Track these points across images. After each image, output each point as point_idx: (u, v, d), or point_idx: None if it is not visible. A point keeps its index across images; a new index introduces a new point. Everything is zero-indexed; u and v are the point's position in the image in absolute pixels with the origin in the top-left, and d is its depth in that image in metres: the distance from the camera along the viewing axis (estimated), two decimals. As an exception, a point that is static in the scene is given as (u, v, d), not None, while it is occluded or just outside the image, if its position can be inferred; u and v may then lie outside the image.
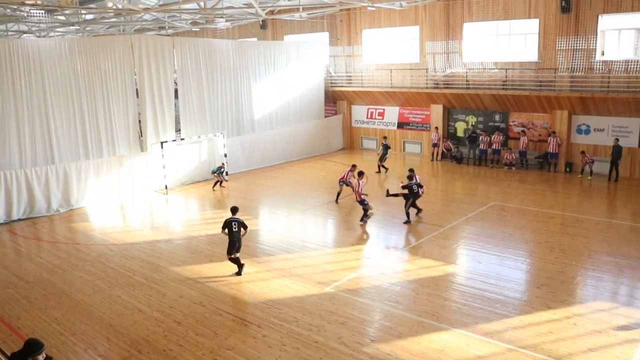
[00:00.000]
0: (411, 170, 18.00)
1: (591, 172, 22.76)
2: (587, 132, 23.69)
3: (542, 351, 9.50)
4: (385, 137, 27.24)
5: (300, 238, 16.67)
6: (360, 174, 18.04)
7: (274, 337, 10.29)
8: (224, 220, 13.45)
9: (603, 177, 22.62)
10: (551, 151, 23.96)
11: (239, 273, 13.37)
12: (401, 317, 11.05)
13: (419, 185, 17.57)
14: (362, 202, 17.30)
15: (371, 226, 17.74)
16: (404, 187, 17.45)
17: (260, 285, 12.82)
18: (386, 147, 25.16)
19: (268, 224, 18.41)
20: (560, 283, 12.41)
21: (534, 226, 16.71)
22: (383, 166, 25.21)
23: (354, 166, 19.74)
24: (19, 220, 18.78)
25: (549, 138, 24.02)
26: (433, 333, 10.32)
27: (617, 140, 22.18)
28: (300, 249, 15.45)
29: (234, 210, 13.53)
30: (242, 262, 13.50)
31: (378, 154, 25.87)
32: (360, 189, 17.28)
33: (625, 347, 9.59)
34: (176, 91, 23.72)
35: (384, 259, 14.55)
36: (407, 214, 17.30)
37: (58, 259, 15.03)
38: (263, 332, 10.50)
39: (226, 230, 13.27)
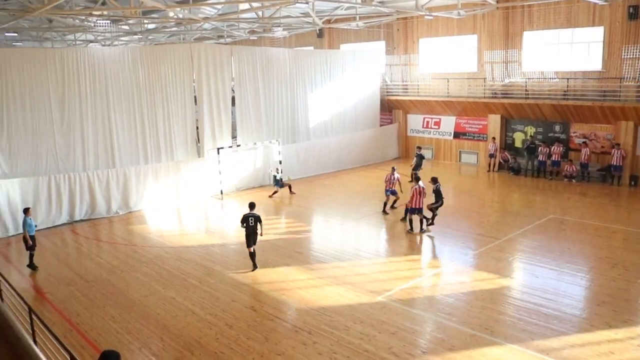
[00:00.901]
0: (434, 179, 17.66)
1: (658, 186, 21.83)
2: (655, 144, 22.73)
3: (602, 371, 9.14)
4: (419, 147, 26.10)
5: (353, 246, 16.63)
6: (418, 178, 17.80)
7: (324, 345, 10.28)
8: (248, 217, 14.23)
9: (670, 192, 21.64)
10: (615, 164, 23.09)
11: (254, 267, 14.38)
12: (454, 330, 10.83)
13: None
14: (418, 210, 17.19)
15: (424, 236, 17.54)
16: (435, 193, 17.29)
17: (312, 292, 12.84)
18: (421, 157, 24.50)
19: (321, 232, 18.46)
20: (623, 301, 11.89)
21: (594, 241, 16.11)
22: (416, 175, 23.79)
23: (393, 169, 19.91)
24: (81, 220, 19.50)
25: (613, 150, 23.15)
26: (486, 347, 10.08)
27: None
28: (353, 257, 15.41)
29: (252, 206, 14.61)
30: (256, 263, 14.51)
31: (411, 166, 24.92)
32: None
33: (692, 371, 9.11)
34: (233, 98, 24.13)
35: (437, 269, 14.35)
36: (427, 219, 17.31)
37: (116, 259, 15.51)
38: (313, 339, 10.50)
39: (244, 225, 14.22)
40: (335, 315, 11.50)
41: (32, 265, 14.77)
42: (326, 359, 9.76)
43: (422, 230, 17.21)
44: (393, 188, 19.51)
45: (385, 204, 19.74)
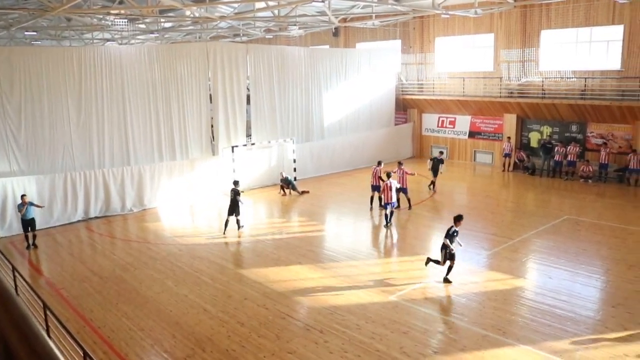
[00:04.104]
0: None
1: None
2: (674, 145, 22.40)
3: (615, 374, 9.03)
4: (441, 152, 24.40)
5: (366, 245, 16.64)
6: (388, 174, 18.31)
7: (335, 344, 10.27)
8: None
9: (689, 193, 21.32)
10: (632, 167, 22.82)
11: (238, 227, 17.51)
12: (466, 330, 10.77)
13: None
14: (390, 205, 17.82)
15: (437, 236, 17.44)
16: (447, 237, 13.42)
17: (324, 290, 12.84)
18: (439, 162, 22.91)
19: (334, 230, 18.47)
20: (638, 303, 11.72)
21: (610, 242, 15.92)
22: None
23: (379, 163, 20.27)
24: (96, 218, 19.67)
25: (630, 155, 22.88)
26: (498, 348, 10.00)
27: None
28: (366, 256, 15.40)
29: (235, 183, 17.80)
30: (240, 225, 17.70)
31: (429, 170, 23.09)
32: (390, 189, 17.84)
33: None
34: (248, 97, 24.21)
35: (444, 272, 14.23)
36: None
37: (130, 256, 15.63)
38: (325, 338, 10.49)
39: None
40: (346, 314, 11.48)
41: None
42: (337, 358, 9.75)
43: (387, 223, 17.80)
44: (399, 185, 19.35)
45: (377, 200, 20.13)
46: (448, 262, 12.95)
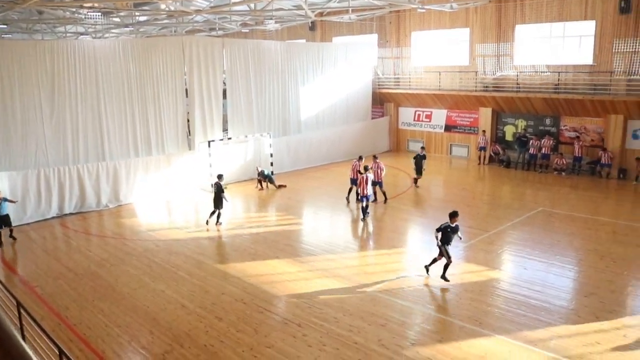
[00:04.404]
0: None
1: (646, 179, 21.97)
2: (644, 137, 22.86)
3: (588, 362, 9.22)
4: (422, 148, 24.57)
5: (343, 239, 16.70)
6: (365, 168, 18.59)
7: (313, 337, 10.31)
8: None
9: (659, 184, 21.80)
10: (603, 162, 23.29)
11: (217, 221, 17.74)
12: (443, 321, 10.91)
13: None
14: (366, 198, 18.14)
15: (414, 229, 17.65)
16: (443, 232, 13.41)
17: (302, 284, 12.87)
18: (422, 158, 22.66)
19: (312, 224, 18.50)
20: (609, 293, 12.00)
21: (583, 233, 16.22)
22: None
23: (360, 158, 20.33)
24: (71, 214, 19.40)
25: (601, 153, 23.34)
26: (475, 339, 10.14)
27: None
28: (343, 249, 15.46)
29: (219, 177, 17.84)
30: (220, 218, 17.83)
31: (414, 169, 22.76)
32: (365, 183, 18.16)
33: (677, 362, 9.21)
34: (224, 91, 24.06)
35: (427, 262, 14.35)
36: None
37: (106, 252, 15.46)
38: (303, 332, 10.52)
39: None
40: (325, 308, 11.53)
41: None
42: (315, 351, 9.79)
43: (364, 216, 18.08)
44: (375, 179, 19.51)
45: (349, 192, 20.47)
46: (443, 259, 12.71)
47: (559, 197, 20.61)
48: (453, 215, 12.78)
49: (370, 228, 17.81)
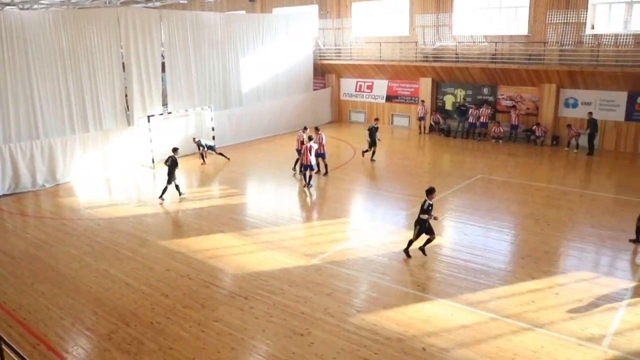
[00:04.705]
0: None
1: (577, 145, 22.88)
2: (575, 105, 23.75)
3: (524, 320, 9.68)
4: (376, 119, 23.29)
5: (288, 210, 16.76)
6: (310, 138, 18.82)
7: (260, 309, 10.39)
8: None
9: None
10: (538, 134, 24.18)
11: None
12: (387, 288, 11.17)
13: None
14: (310, 167, 18.50)
15: (358, 198, 17.90)
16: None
17: (248, 258, 12.88)
18: (376, 130, 22.14)
19: (256, 197, 18.47)
20: (543, 254, 12.59)
21: (519, 198, 16.85)
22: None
23: (305, 128, 20.65)
24: (4, 195, 18.63)
25: (535, 127, 24.21)
26: (418, 303, 10.47)
27: (591, 114, 22.38)
28: (288, 221, 15.53)
29: (174, 150, 17.90)
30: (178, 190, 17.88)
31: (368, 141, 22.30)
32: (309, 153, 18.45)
33: (604, 315, 9.80)
34: (163, 64, 23.51)
35: (370, 231, 14.65)
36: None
37: (44, 234, 15.00)
38: (250, 304, 10.58)
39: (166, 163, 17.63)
40: (270, 280, 11.61)
41: None
42: (263, 323, 9.88)
43: (308, 185, 18.58)
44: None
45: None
46: (424, 236, 12.41)
47: (496, 165, 21.27)
48: (430, 192, 12.41)
49: (314, 199, 17.95)
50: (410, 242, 12.63)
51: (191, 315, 10.26)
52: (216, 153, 22.73)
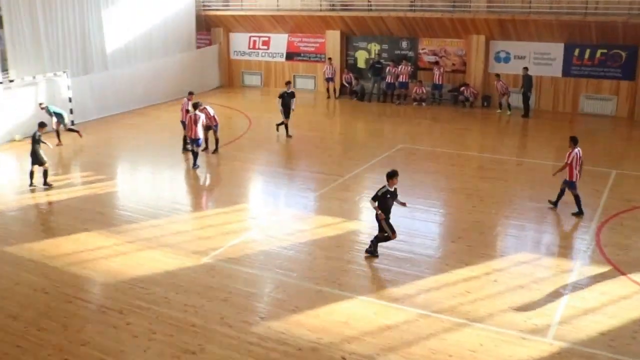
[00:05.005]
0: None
1: (509, 106, 23.80)
2: (507, 60, 24.67)
3: (459, 314, 9.90)
4: (288, 83, 22.94)
5: (169, 199, 16.37)
6: (195, 105, 18.51)
7: (140, 324, 10.02)
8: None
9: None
10: (466, 95, 24.92)
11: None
12: (296, 287, 11.11)
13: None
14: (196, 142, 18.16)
15: (256, 180, 17.72)
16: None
17: (121, 260, 12.43)
18: (290, 96, 21.45)
19: (129, 185, 17.96)
20: (478, 235, 12.98)
21: (448, 171, 17.32)
22: (285, 125, 21.36)
23: (191, 93, 20.42)
24: None
25: (463, 88, 24.91)
26: (334, 303, 10.46)
27: (527, 69, 23.30)
28: (170, 212, 15.18)
29: (41, 125, 17.54)
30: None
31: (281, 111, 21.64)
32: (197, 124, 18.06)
33: (548, 302, 10.23)
34: (0, 18, 22.42)
35: (272, 218, 14.57)
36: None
37: None
38: (126, 320, 10.19)
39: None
40: (151, 287, 11.25)
41: None
42: (144, 342, 9.53)
43: (194, 166, 18.27)
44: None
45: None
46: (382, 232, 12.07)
47: (420, 132, 21.77)
48: (392, 175, 11.89)
49: (203, 183, 17.62)
50: (377, 239, 12.22)
51: (50, 339, 9.72)
52: (65, 128, 21.59)
